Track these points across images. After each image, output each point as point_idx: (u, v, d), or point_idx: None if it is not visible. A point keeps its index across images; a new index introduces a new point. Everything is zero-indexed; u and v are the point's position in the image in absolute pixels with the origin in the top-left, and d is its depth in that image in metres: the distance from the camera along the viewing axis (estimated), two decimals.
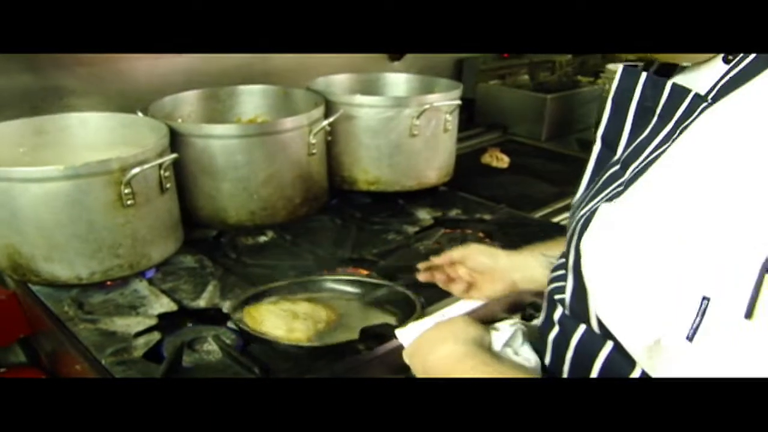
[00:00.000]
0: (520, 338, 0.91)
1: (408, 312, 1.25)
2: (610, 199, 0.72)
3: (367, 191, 1.86)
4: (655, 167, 0.66)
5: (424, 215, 1.82)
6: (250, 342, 1.22)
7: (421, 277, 1.25)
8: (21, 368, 1.73)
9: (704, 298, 0.54)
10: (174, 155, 1.37)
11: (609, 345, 0.71)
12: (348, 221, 1.77)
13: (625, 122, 0.80)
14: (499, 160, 2.30)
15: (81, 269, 1.30)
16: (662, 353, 0.58)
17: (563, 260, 0.84)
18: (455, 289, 1.21)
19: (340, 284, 1.38)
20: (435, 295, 1.30)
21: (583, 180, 0.88)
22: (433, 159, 1.87)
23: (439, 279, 1.23)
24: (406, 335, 0.97)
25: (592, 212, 0.72)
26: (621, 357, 0.69)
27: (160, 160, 1.34)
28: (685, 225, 0.57)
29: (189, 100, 1.78)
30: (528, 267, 1.12)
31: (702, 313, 0.54)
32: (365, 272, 1.48)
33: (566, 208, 1.91)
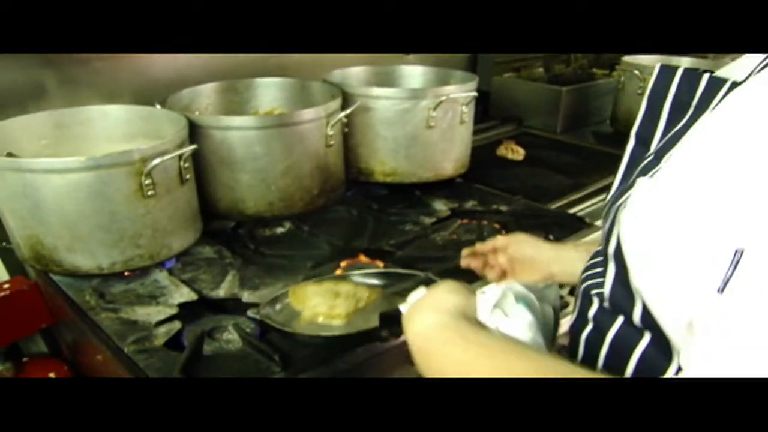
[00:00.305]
0: (511, 297, 0.85)
1: None
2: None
3: (383, 183, 1.87)
4: (686, 139, 0.67)
5: (441, 206, 1.83)
6: (269, 330, 1.23)
7: (463, 262, 1.25)
8: (42, 358, 1.76)
9: (737, 251, 0.54)
10: (194, 146, 1.38)
11: (646, 338, 0.70)
12: (365, 212, 1.78)
13: (660, 118, 0.80)
14: (515, 152, 2.31)
15: (102, 259, 1.32)
16: (697, 325, 0.58)
17: (599, 257, 0.83)
18: (490, 274, 1.21)
19: (365, 277, 1.38)
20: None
21: (617, 177, 0.87)
22: (449, 151, 1.88)
23: (476, 266, 1.24)
24: (406, 309, 0.90)
25: (630, 188, 0.72)
26: (657, 351, 0.68)
27: (180, 151, 1.35)
28: (711, 200, 0.58)
29: (206, 93, 1.79)
30: (570, 260, 1.10)
31: (735, 265, 0.54)
32: (381, 264, 1.48)
33: (581, 200, 1.92)
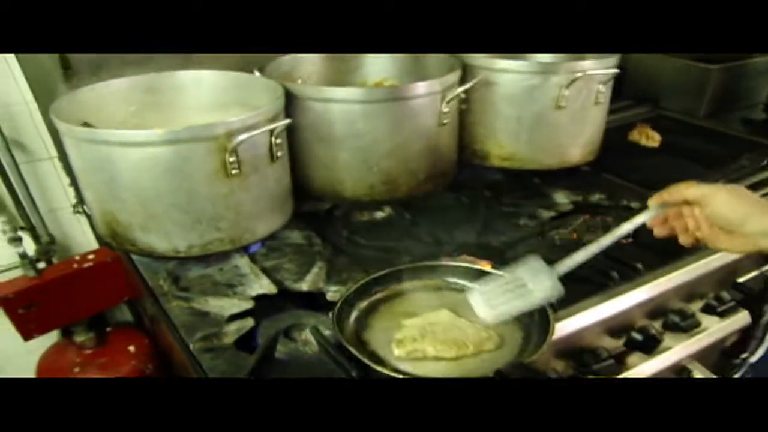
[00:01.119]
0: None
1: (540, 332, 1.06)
2: None
3: (499, 167, 1.66)
4: None
5: (562, 199, 1.61)
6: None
7: (658, 231, 1.03)
8: (125, 329, 1.70)
9: None
10: (287, 121, 1.24)
11: None
12: (476, 201, 1.59)
13: None
14: (649, 138, 2.03)
15: (178, 241, 1.20)
16: None
17: None
18: (683, 239, 1.00)
19: (464, 278, 1.21)
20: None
21: None
22: (578, 135, 1.64)
23: (663, 233, 1.03)
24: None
25: None
26: None
27: (271, 126, 1.21)
28: None
29: (311, 60, 1.64)
30: None
31: None
32: (487, 264, 1.30)
33: None
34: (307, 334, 1.11)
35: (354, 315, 1.12)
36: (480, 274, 1.19)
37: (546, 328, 1.03)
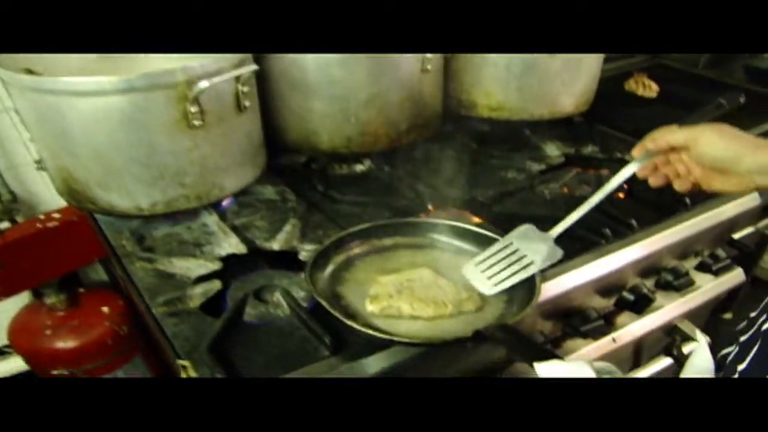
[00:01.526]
0: None
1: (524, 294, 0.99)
2: None
3: (487, 118, 1.56)
4: None
5: (553, 151, 1.53)
6: None
7: (652, 180, 0.97)
8: (99, 290, 1.64)
9: None
10: (253, 66, 1.15)
11: None
12: (461, 153, 1.50)
13: None
14: (646, 87, 1.93)
15: (141, 199, 1.12)
16: None
17: None
18: (678, 185, 0.94)
19: (449, 235, 1.14)
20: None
21: None
22: (572, 83, 1.55)
23: (657, 182, 0.97)
24: (547, 371, 0.71)
25: None
26: None
27: (236, 72, 1.11)
28: None
29: None
30: None
31: None
32: (477, 219, 1.23)
33: None
34: (279, 296, 1.04)
35: (330, 269, 1.06)
36: (465, 233, 1.12)
37: (531, 289, 0.97)
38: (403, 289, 1.00)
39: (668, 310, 1.22)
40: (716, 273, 1.28)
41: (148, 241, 1.17)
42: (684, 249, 1.26)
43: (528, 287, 0.98)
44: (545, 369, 0.70)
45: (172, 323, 0.99)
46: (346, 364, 0.90)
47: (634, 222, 1.19)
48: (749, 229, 1.40)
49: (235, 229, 1.20)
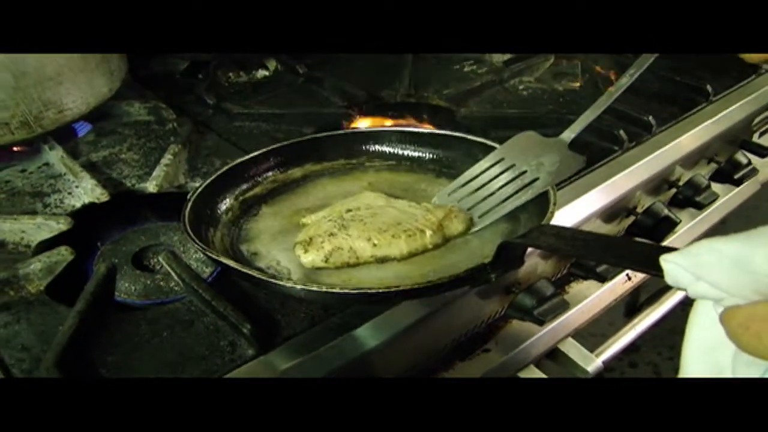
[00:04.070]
0: None
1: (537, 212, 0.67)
2: None
3: None
4: None
5: None
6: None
7: None
8: None
9: None
10: None
11: None
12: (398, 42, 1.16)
13: None
14: None
15: None
16: None
17: None
18: None
19: (400, 149, 0.82)
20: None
21: None
22: None
23: None
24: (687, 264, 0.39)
25: None
26: None
27: None
28: None
29: None
30: None
31: None
32: (430, 126, 0.90)
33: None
34: (164, 263, 0.69)
35: (225, 218, 0.72)
36: (425, 144, 0.80)
37: (544, 205, 0.65)
38: (346, 223, 0.66)
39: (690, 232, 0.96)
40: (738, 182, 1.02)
41: None
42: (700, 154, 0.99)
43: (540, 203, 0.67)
44: (681, 261, 0.39)
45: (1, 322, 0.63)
46: (286, 363, 0.57)
47: (651, 119, 0.89)
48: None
49: (93, 167, 0.83)
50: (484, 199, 0.71)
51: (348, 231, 0.65)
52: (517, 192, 0.70)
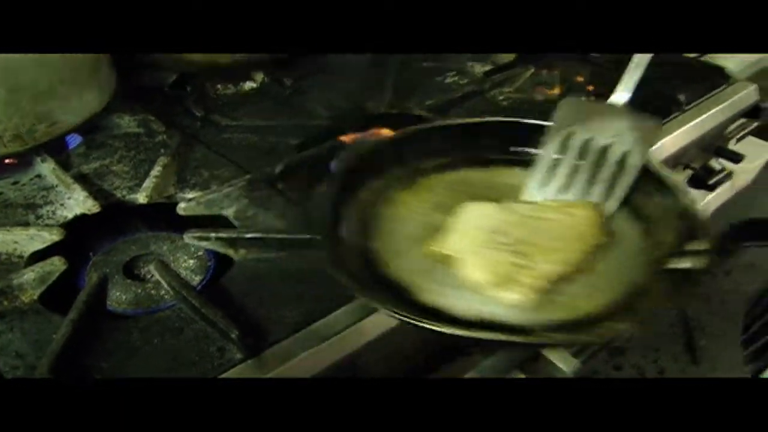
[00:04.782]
0: None
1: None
2: None
3: None
4: None
5: None
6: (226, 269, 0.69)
7: None
8: None
9: None
10: None
11: None
12: (384, 54, 1.18)
13: None
14: None
15: None
16: None
17: None
18: None
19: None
20: None
21: None
22: None
23: None
24: None
25: None
26: None
27: None
28: None
29: None
30: None
31: None
32: None
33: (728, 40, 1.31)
34: (155, 272, 0.71)
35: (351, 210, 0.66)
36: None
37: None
38: (516, 247, 0.59)
39: None
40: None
41: None
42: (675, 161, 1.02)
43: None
44: None
45: None
46: (273, 366, 0.60)
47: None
48: None
49: (84, 179, 0.84)
50: (590, 183, 0.65)
51: (527, 257, 0.57)
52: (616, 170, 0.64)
